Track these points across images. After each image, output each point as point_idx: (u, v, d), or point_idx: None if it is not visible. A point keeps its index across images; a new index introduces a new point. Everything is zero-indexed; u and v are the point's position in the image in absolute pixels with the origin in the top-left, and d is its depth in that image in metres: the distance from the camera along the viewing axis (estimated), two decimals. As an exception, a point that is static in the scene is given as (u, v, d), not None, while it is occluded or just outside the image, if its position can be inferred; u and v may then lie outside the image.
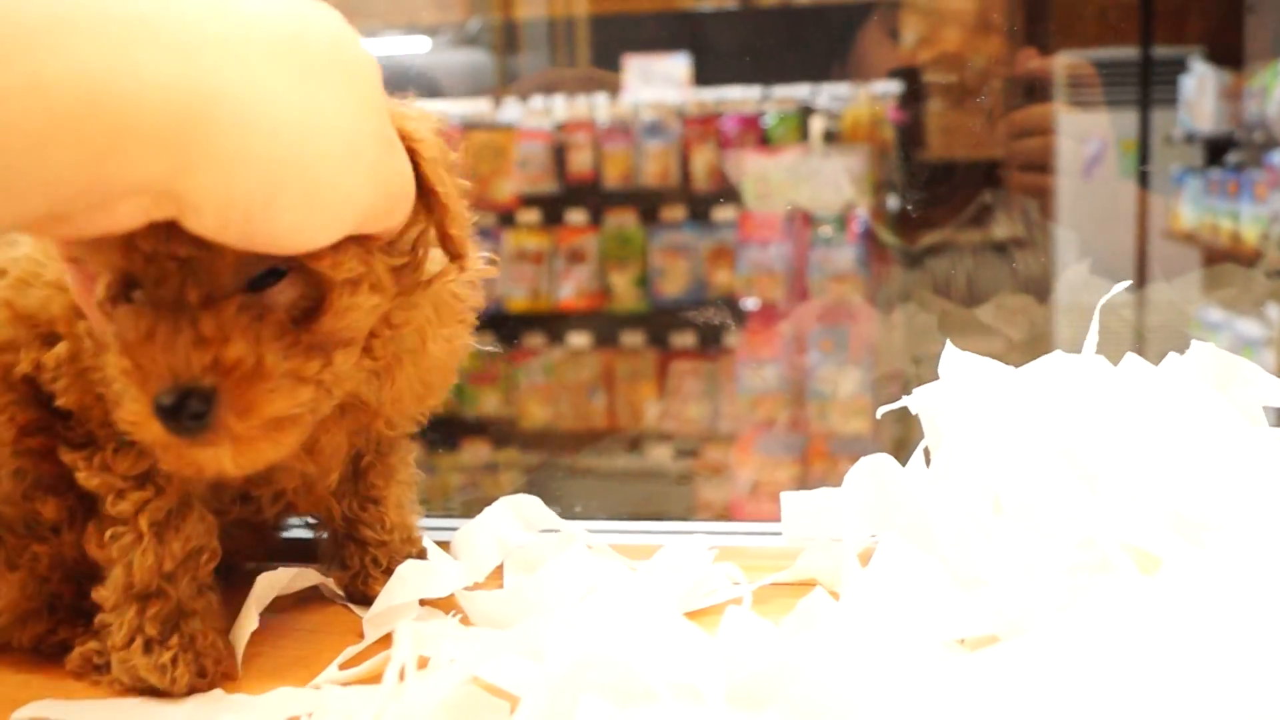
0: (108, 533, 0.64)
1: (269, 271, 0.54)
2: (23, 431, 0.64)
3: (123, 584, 0.64)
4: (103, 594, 0.65)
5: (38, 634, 0.69)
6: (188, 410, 0.52)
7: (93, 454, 0.63)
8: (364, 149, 0.51)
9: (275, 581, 0.73)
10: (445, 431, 2.12)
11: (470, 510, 0.83)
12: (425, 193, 0.57)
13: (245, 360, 0.52)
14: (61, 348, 0.62)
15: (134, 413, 0.53)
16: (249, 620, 0.68)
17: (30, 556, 0.67)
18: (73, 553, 0.66)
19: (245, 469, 0.56)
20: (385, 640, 0.68)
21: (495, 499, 0.82)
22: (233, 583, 0.72)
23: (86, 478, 0.64)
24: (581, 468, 2.49)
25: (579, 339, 2.63)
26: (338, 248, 0.54)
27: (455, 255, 0.60)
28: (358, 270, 0.56)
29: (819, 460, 2.16)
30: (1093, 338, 0.70)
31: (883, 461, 0.69)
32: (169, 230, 0.50)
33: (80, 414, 0.63)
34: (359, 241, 0.55)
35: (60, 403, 0.63)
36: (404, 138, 0.56)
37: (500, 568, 0.78)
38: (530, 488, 0.85)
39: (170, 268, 0.52)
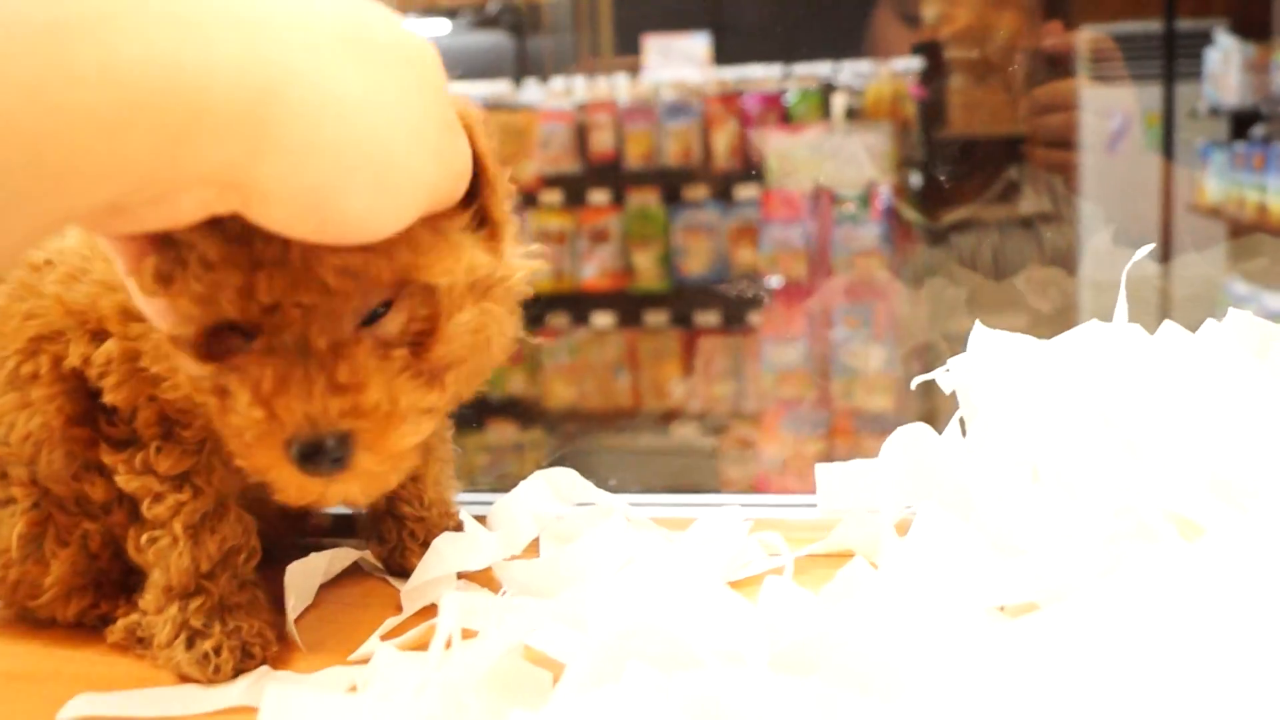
0: (144, 536, 0.65)
1: (379, 303, 0.54)
2: (70, 421, 0.65)
3: (162, 586, 0.65)
4: (146, 600, 0.66)
5: (82, 608, 0.69)
6: (327, 456, 0.52)
7: (134, 454, 0.64)
8: (428, 131, 0.50)
9: (312, 569, 0.73)
10: (471, 412, 2.12)
11: (504, 486, 0.83)
12: (475, 171, 0.57)
13: (381, 404, 0.53)
14: (111, 345, 0.62)
15: (268, 459, 0.54)
16: (291, 613, 0.69)
17: (81, 534, 0.68)
18: (122, 531, 0.67)
19: (372, 498, 0.58)
20: (423, 612, 0.69)
21: (522, 478, 0.82)
22: (276, 559, 0.72)
23: (126, 480, 0.64)
24: (607, 447, 2.49)
25: (602, 319, 2.63)
26: (437, 252, 0.54)
27: (494, 236, 0.59)
28: (458, 272, 0.56)
29: (844, 437, 2.16)
30: (1122, 306, 0.70)
31: (920, 431, 0.69)
32: (292, 278, 0.50)
33: (127, 412, 0.63)
34: (452, 251, 0.55)
35: (108, 399, 0.63)
36: (459, 118, 0.56)
37: (536, 541, 0.78)
38: (558, 465, 0.85)
39: (294, 315, 0.52)
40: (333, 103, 0.46)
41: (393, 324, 0.55)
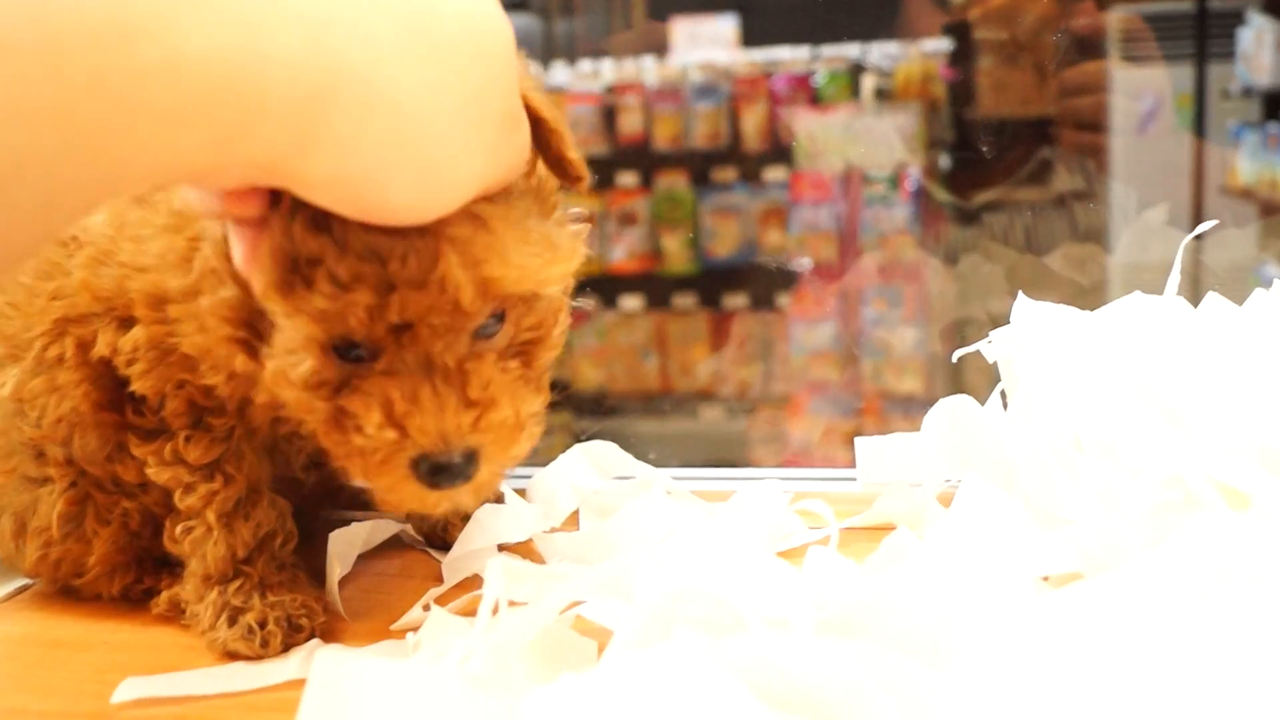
0: (179, 527, 0.65)
1: (492, 316, 0.54)
2: (99, 406, 0.65)
3: (200, 575, 0.65)
4: (186, 590, 0.66)
5: (125, 584, 0.70)
6: (458, 472, 0.53)
7: (163, 445, 0.64)
8: (486, 129, 0.50)
9: (354, 537, 0.74)
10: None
11: (542, 460, 0.83)
12: (535, 127, 0.56)
13: (508, 419, 0.54)
14: (138, 332, 0.61)
15: (393, 477, 0.54)
16: (333, 579, 0.69)
17: (121, 512, 0.68)
18: (161, 509, 0.67)
19: (482, 502, 0.62)
20: (464, 584, 0.69)
21: (552, 458, 0.82)
22: (314, 530, 0.73)
23: (157, 472, 0.64)
24: (636, 429, 2.50)
25: (631, 301, 2.63)
26: (555, 262, 0.54)
27: (575, 177, 0.59)
28: (567, 279, 0.57)
29: (873, 418, 2.16)
30: (1175, 277, 0.69)
31: (963, 402, 0.69)
32: (430, 301, 0.50)
33: (155, 401, 0.63)
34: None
35: (136, 387, 0.62)
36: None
37: (575, 515, 0.78)
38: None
39: (424, 334, 0.52)
40: (385, 101, 0.46)
41: (505, 335, 0.55)
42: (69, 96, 0.38)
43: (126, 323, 0.62)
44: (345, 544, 0.73)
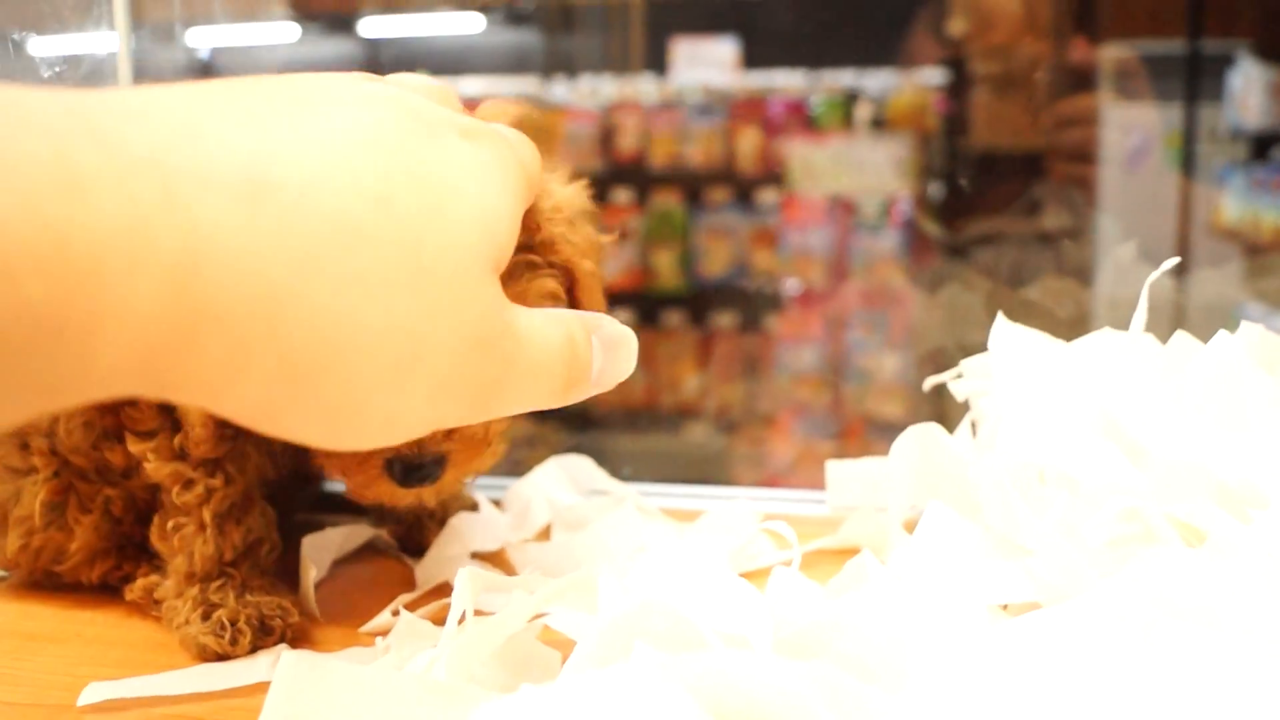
0: (170, 523, 0.66)
1: None
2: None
3: (184, 572, 0.66)
4: (165, 588, 0.67)
5: (105, 570, 0.71)
6: (426, 475, 0.60)
7: (166, 439, 0.65)
8: (431, 362, 0.41)
9: (328, 542, 0.75)
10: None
11: (519, 471, 0.84)
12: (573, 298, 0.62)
13: (478, 433, 0.60)
14: None
15: (367, 476, 0.60)
16: (308, 582, 0.70)
17: (103, 500, 0.69)
18: (144, 494, 0.68)
19: (441, 500, 0.69)
20: (437, 590, 0.70)
21: (532, 467, 0.84)
22: (286, 534, 0.74)
23: (156, 468, 0.65)
24: (620, 444, 2.50)
25: (620, 317, 2.63)
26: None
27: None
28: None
29: (855, 442, 2.17)
30: (1141, 314, 0.71)
31: (930, 430, 0.70)
32: None
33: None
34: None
35: None
36: (552, 249, 0.61)
37: (549, 527, 0.79)
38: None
39: None
40: (264, 340, 0.37)
41: None
42: None
43: None
44: (319, 548, 0.73)
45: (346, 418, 0.40)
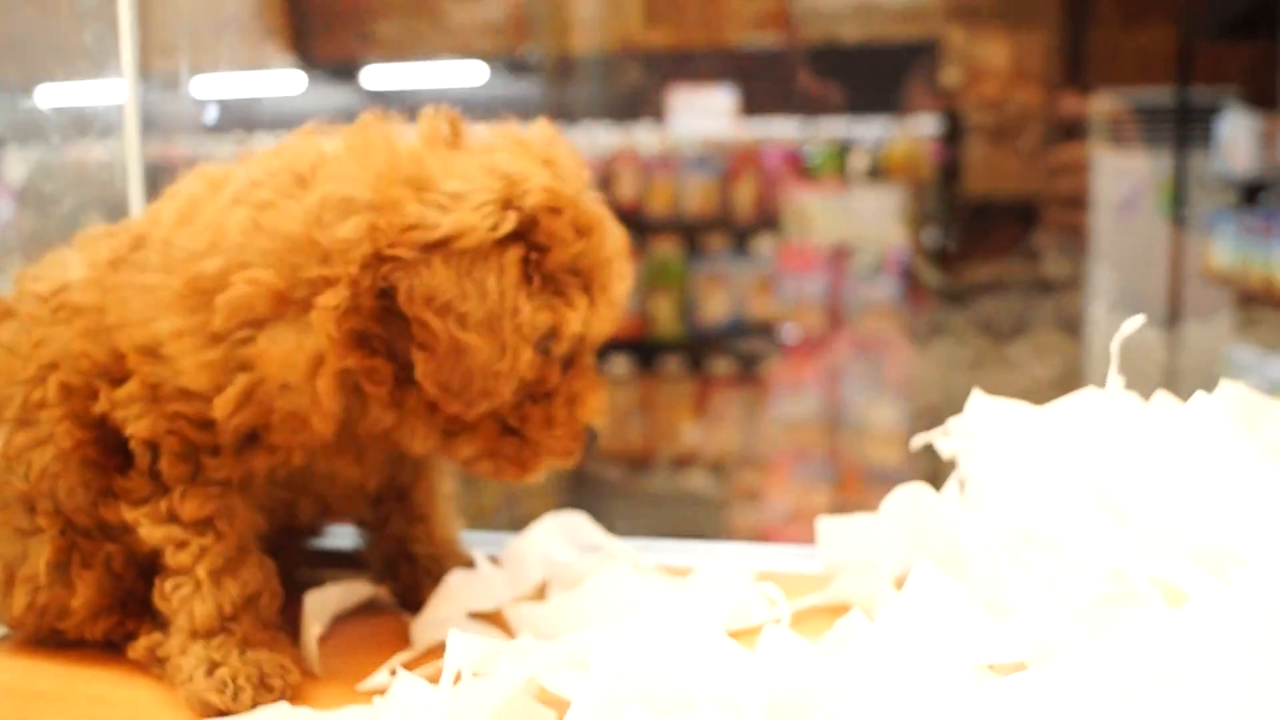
0: (169, 584, 0.68)
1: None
2: (81, 444, 0.68)
3: (186, 630, 0.67)
4: (169, 645, 0.68)
5: (108, 627, 0.72)
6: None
7: (157, 504, 0.67)
8: None
9: (328, 599, 0.76)
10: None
11: (516, 525, 0.85)
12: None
13: None
14: (133, 384, 0.65)
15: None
16: (310, 639, 0.71)
17: (104, 556, 0.70)
18: (143, 549, 0.69)
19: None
20: (434, 650, 0.71)
21: (534, 517, 0.85)
22: (288, 586, 0.75)
23: (150, 532, 0.67)
24: (619, 490, 2.51)
25: (619, 365, 2.65)
26: None
27: None
28: None
29: (851, 489, 2.17)
30: (1114, 373, 0.72)
31: (919, 490, 0.71)
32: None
33: (149, 451, 0.66)
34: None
35: (131, 431, 0.66)
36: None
37: (545, 583, 0.80)
38: (570, 507, 0.88)
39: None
40: None
41: None
42: None
43: (121, 380, 0.66)
44: (321, 605, 0.74)
45: None
